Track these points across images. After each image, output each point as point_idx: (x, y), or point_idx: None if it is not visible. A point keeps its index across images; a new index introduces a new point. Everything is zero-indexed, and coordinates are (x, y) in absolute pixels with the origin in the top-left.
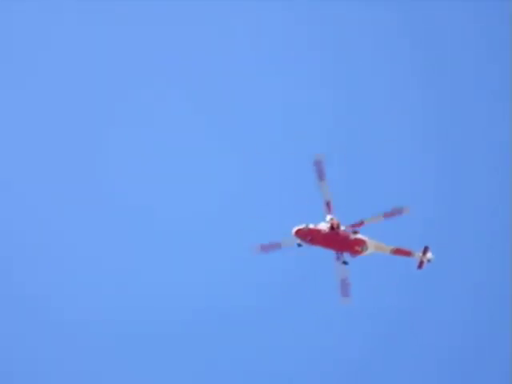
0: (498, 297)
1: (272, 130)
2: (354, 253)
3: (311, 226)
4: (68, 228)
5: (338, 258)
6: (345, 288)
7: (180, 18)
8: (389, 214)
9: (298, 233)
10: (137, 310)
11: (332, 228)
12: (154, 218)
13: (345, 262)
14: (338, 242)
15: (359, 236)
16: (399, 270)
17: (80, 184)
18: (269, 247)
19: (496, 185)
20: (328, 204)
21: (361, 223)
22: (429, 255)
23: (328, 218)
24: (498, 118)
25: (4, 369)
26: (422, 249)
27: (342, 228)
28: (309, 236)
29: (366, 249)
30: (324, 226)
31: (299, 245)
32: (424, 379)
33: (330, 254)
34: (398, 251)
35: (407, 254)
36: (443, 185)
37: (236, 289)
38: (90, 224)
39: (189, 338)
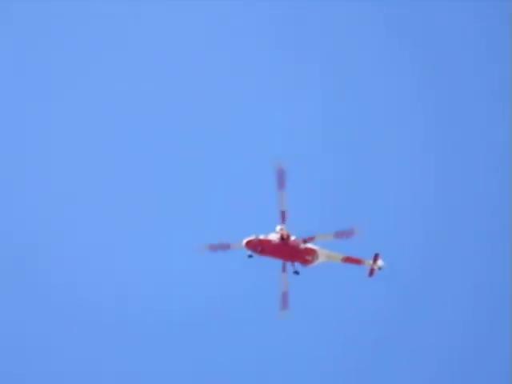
0: (497, 297)
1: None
2: (305, 262)
3: (261, 236)
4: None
5: (284, 270)
6: (285, 301)
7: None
8: (339, 234)
9: (249, 244)
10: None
11: (282, 238)
12: None
13: (296, 272)
14: (289, 252)
15: (309, 245)
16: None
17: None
18: (217, 247)
19: (496, 185)
20: (283, 214)
21: (311, 238)
22: (379, 263)
23: (278, 228)
24: (498, 118)
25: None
26: (373, 257)
27: (292, 238)
28: (259, 247)
29: (317, 258)
30: (274, 237)
31: (250, 256)
32: (423, 380)
33: None
34: (348, 259)
35: (358, 262)
36: (443, 185)
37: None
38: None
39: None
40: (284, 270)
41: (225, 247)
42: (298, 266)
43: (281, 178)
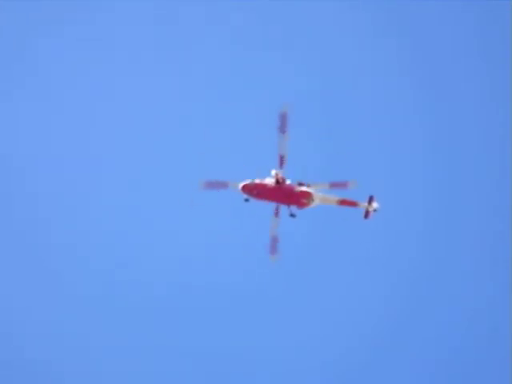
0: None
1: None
2: (301, 205)
3: (257, 180)
4: None
5: (276, 215)
6: (274, 246)
7: None
8: (335, 185)
9: (245, 188)
10: None
11: (277, 182)
12: None
13: (292, 215)
14: (284, 195)
15: (305, 188)
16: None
17: None
18: (215, 185)
19: (496, 185)
20: (282, 158)
21: (306, 184)
22: (374, 205)
23: (273, 172)
24: (498, 118)
25: None
26: (368, 199)
27: (288, 182)
28: (255, 190)
29: (312, 201)
30: (270, 181)
31: (246, 199)
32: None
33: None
34: (344, 202)
35: (353, 204)
36: (443, 185)
37: None
38: None
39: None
40: (276, 215)
41: (222, 185)
42: (294, 208)
43: (283, 123)
